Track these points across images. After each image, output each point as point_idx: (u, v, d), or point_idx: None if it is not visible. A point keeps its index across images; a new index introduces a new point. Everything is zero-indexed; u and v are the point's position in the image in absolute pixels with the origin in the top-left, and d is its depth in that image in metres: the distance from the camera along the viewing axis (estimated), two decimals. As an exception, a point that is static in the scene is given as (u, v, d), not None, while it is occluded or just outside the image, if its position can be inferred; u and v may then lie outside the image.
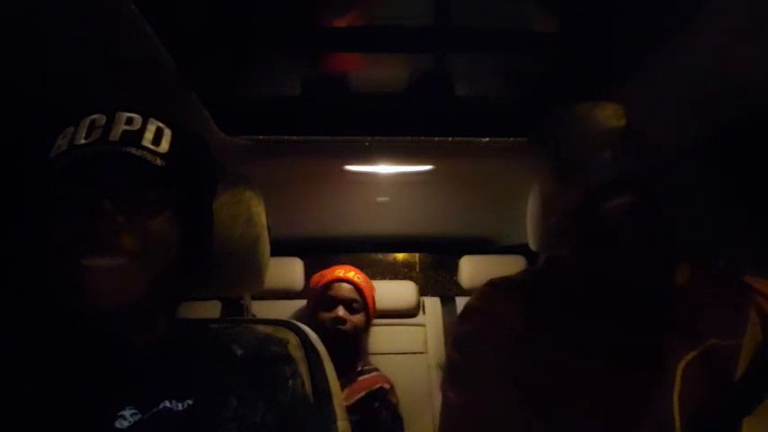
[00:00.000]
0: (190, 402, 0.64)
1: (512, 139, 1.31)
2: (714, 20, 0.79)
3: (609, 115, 0.71)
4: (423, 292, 2.26)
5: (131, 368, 0.65)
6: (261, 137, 1.28)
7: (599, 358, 0.68)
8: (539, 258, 1.18)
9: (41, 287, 0.68)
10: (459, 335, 0.77)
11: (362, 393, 1.73)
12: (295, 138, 1.29)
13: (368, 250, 2.64)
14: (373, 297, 1.93)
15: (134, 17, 0.73)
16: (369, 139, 1.30)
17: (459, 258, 2.18)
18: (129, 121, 0.64)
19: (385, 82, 1.21)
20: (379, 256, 2.85)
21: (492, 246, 2.30)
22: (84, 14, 0.71)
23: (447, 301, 2.21)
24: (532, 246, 1.07)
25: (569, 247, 0.77)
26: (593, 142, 0.70)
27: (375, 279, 2.10)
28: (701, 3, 0.77)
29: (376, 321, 2.05)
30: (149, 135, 0.64)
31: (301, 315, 2.01)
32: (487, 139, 1.31)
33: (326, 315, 1.80)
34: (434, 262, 2.89)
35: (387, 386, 1.78)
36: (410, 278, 2.50)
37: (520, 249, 2.05)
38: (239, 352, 0.72)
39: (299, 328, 0.94)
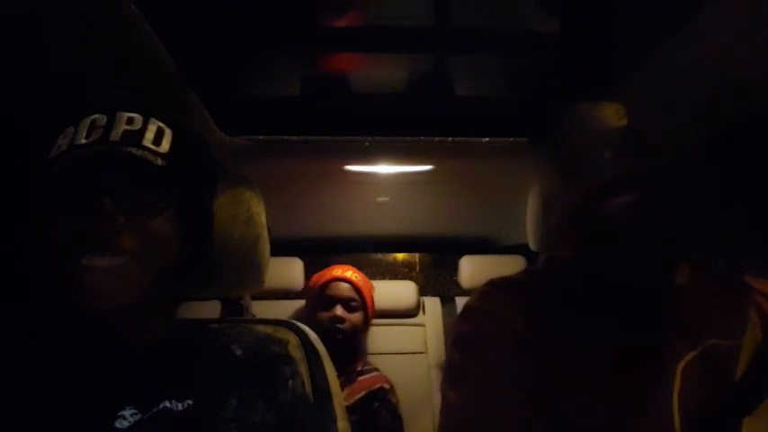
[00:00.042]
0: (190, 402, 0.64)
1: (512, 139, 1.31)
2: (714, 20, 0.79)
3: (611, 115, 0.71)
4: (423, 292, 2.26)
5: (131, 368, 0.65)
6: (261, 137, 1.28)
7: (599, 358, 0.68)
8: (539, 258, 1.18)
9: (42, 287, 0.68)
10: (459, 335, 0.77)
11: (362, 393, 1.73)
12: (295, 138, 1.29)
13: (368, 250, 2.64)
14: (372, 296, 1.93)
15: (134, 17, 0.73)
16: (369, 139, 1.30)
17: (459, 258, 2.18)
18: (130, 121, 0.64)
19: (385, 82, 1.21)
20: (379, 256, 2.85)
21: (492, 246, 2.30)
22: (84, 14, 0.71)
23: (447, 301, 2.21)
24: (532, 246, 1.07)
25: (569, 246, 0.76)
26: (596, 141, 0.70)
27: (375, 279, 2.10)
28: (701, 3, 0.77)
29: (376, 321, 2.05)
30: (150, 135, 0.64)
31: (301, 315, 2.00)
32: (487, 139, 1.31)
33: (325, 314, 1.80)
34: (434, 262, 2.89)
35: (387, 386, 1.78)
36: (410, 278, 2.50)
37: (520, 249, 2.05)
38: (239, 352, 0.72)
39: (298, 328, 0.94)
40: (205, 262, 0.73)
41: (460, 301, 2.17)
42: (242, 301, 1.15)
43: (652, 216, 0.68)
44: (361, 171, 1.57)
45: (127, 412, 0.61)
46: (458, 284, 2.23)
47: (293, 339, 0.91)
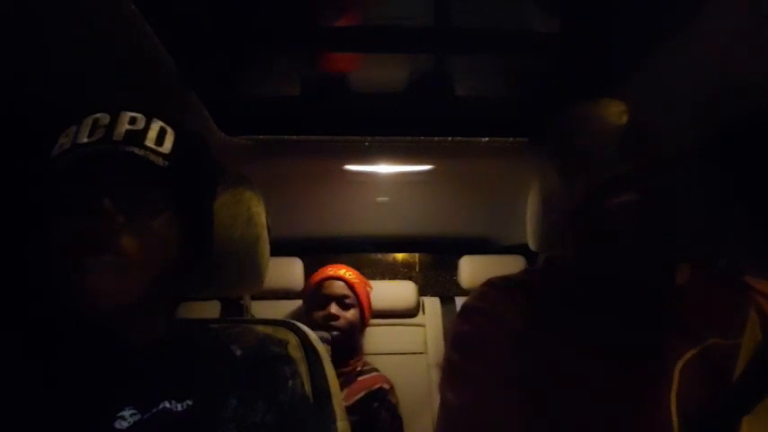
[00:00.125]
0: (189, 403, 0.64)
1: (512, 139, 1.31)
2: (714, 20, 0.79)
3: (611, 114, 0.71)
4: (422, 292, 2.26)
5: (131, 368, 0.65)
6: (261, 137, 1.28)
7: (598, 358, 0.69)
8: (539, 258, 1.18)
9: (42, 286, 0.68)
10: (458, 335, 0.77)
11: (362, 393, 1.73)
12: (295, 138, 1.29)
13: (368, 250, 2.64)
14: (367, 294, 1.93)
15: (134, 17, 0.73)
16: (369, 139, 1.30)
17: (459, 258, 2.18)
18: (133, 121, 0.64)
19: (385, 82, 1.21)
20: (379, 256, 2.85)
21: (492, 246, 2.30)
22: (84, 14, 0.71)
23: (447, 302, 2.21)
24: (532, 246, 1.07)
25: (569, 246, 0.76)
26: (596, 141, 0.70)
27: (375, 279, 2.10)
28: (701, 3, 0.77)
29: (376, 321, 2.05)
30: (152, 135, 0.64)
31: (301, 315, 2.01)
32: (487, 139, 1.31)
33: (320, 313, 1.81)
34: (434, 262, 2.88)
35: (386, 386, 1.78)
36: (410, 278, 2.50)
37: (520, 249, 2.05)
38: (239, 352, 0.72)
39: (298, 328, 0.94)
40: (205, 262, 0.73)
41: (460, 302, 2.17)
42: (242, 301, 1.15)
43: (652, 216, 0.68)
44: (360, 171, 1.57)
45: (126, 412, 0.61)
46: (457, 284, 2.23)
47: (293, 339, 0.91)
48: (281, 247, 1.59)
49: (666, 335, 0.70)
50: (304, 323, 0.97)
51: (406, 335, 2.10)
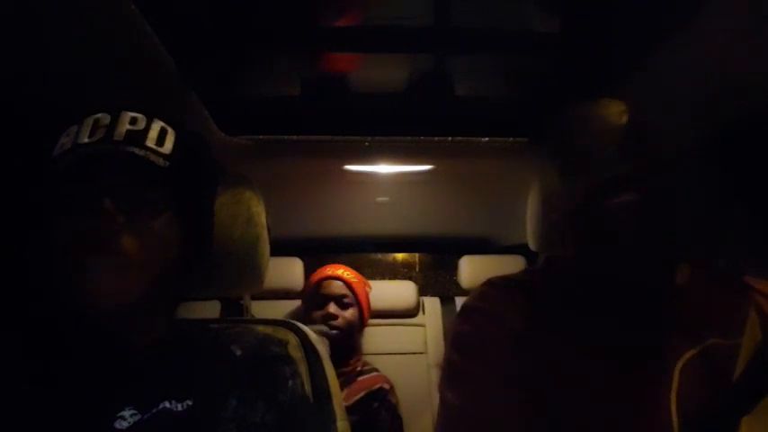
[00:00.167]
0: (189, 403, 0.64)
1: (512, 139, 1.31)
2: (714, 20, 0.79)
3: (611, 114, 0.71)
4: (422, 292, 2.26)
5: (131, 368, 0.65)
6: (261, 137, 1.28)
7: (598, 358, 0.69)
8: (539, 258, 1.18)
9: (42, 286, 0.68)
10: (458, 335, 0.77)
11: (362, 394, 1.73)
12: (295, 138, 1.29)
13: (368, 250, 2.64)
14: (366, 293, 1.93)
15: (134, 17, 0.73)
16: (369, 139, 1.30)
17: (459, 258, 2.18)
18: (134, 121, 0.64)
19: (385, 82, 1.21)
20: (379, 256, 2.84)
21: (492, 246, 2.30)
22: (84, 14, 0.71)
23: (447, 302, 2.21)
24: (532, 246, 1.07)
25: (569, 246, 0.76)
26: (596, 141, 0.70)
27: (375, 279, 2.09)
28: (701, 3, 0.77)
29: (376, 321, 2.05)
30: (153, 135, 0.64)
31: (300, 315, 2.01)
32: (487, 139, 1.31)
33: (318, 313, 1.81)
34: (434, 262, 2.88)
35: (386, 386, 1.78)
36: (410, 278, 2.50)
37: (520, 249, 2.05)
38: (239, 352, 0.72)
39: (298, 328, 0.94)
40: (205, 262, 0.73)
41: (460, 302, 2.16)
42: (242, 301, 1.15)
43: (652, 216, 0.68)
44: (360, 171, 1.57)
45: (126, 412, 0.61)
46: (458, 284, 2.23)
47: (293, 339, 0.91)
48: (281, 247, 1.59)
49: (666, 335, 0.70)
50: (303, 323, 0.97)
51: (406, 335, 2.10)
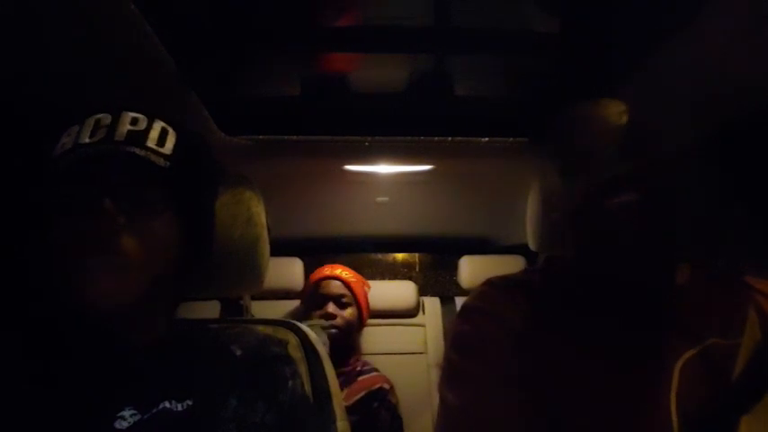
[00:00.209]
0: (189, 403, 0.64)
1: (512, 139, 1.31)
2: (714, 20, 0.79)
3: (611, 114, 0.71)
4: (422, 292, 2.26)
5: (131, 368, 0.65)
6: (261, 137, 1.28)
7: (598, 358, 0.69)
8: (539, 258, 1.18)
9: (42, 286, 0.68)
10: (458, 335, 0.77)
11: (362, 393, 1.73)
12: (295, 138, 1.29)
13: (368, 250, 2.64)
14: (365, 293, 1.94)
15: (134, 17, 0.73)
16: (369, 139, 1.30)
17: (459, 258, 2.18)
18: (135, 122, 0.64)
19: (385, 82, 1.21)
20: (379, 256, 2.84)
21: (492, 246, 2.30)
22: (84, 14, 0.71)
23: (447, 302, 2.21)
24: (532, 246, 1.07)
25: (569, 246, 0.76)
26: (596, 141, 0.70)
27: (375, 279, 2.09)
28: (701, 3, 0.77)
29: (376, 321, 2.05)
30: (154, 135, 0.64)
31: (300, 315, 2.01)
32: (487, 139, 1.31)
33: (317, 313, 1.82)
34: (434, 262, 2.88)
35: (386, 386, 1.79)
36: (410, 278, 2.50)
37: (520, 249, 2.05)
38: (239, 352, 0.72)
39: (298, 328, 0.94)
40: (205, 262, 0.73)
41: (460, 302, 2.16)
42: (241, 302, 1.15)
43: (652, 216, 0.68)
44: (360, 171, 1.57)
45: (126, 413, 0.61)
46: (457, 284, 2.23)
47: (293, 340, 0.91)
48: (281, 247, 1.59)
49: (666, 335, 0.70)
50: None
51: (406, 335, 2.10)
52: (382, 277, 2.73)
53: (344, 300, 1.85)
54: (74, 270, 0.58)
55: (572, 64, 1.06)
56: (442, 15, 1.00)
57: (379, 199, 1.89)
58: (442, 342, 2.08)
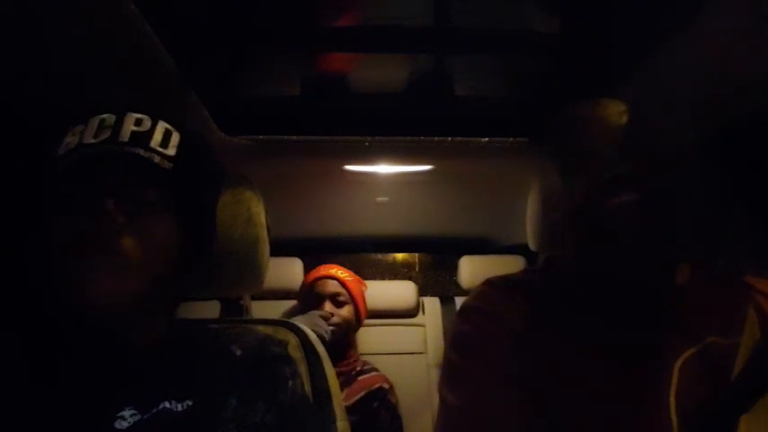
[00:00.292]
0: (189, 403, 0.64)
1: (512, 139, 1.31)
2: (714, 20, 0.79)
3: (611, 114, 0.71)
4: (422, 292, 2.26)
5: (131, 368, 0.65)
6: (261, 137, 1.28)
7: (598, 358, 0.69)
8: (538, 258, 1.18)
9: (42, 286, 0.68)
10: (458, 335, 0.77)
11: (362, 393, 1.73)
12: (295, 138, 1.29)
13: (368, 250, 2.64)
14: (361, 292, 1.94)
15: (134, 17, 0.73)
16: (369, 139, 1.30)
17: (459, 258, 2.18)
18: (139, 122, 0.64)
19: (385, 82, 1.21)
20: (379, 256, 2.84)
21: (491, 246, 2.30)
22: (84, 14, 0.71)
23: (446, 302, 2.21)
24: (532, 246, 1.07)
25: (569, 246, 0.76)
26: (596, 141, 0.70)
27: (375, 279, 2.09)
28: (701, 3, 0.77)
29: (376, 321, 2.05)
30: (158, 137, 0.64)
31: (297, 315, 2.00)
32: (487, 139, 1.31)
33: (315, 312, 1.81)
34: (434, 262, 2.88)
35: (386, 386, 1.79)
36: (410, 278, 2.50)
37: (519, 249, 2.05)
38: (239, 352, 0.72)
39: (298, 328, 0.94)
40: (205, 262, 0.73)
41: (460, 302, 2.15)
42: (241, 302, 1.15)
43: (652, 216, 0.68)
44: (360, 171, 1.57)
45: (126, 413, 0.61)
46: (457, 284, 2.23)
47: (293, 340, 0.91)
48: (281, 247, 1.59)
49: (666, 334, 0.70)
50: (302, 323, 0.97)
51: (405, 335, 2.10)
52: (382, 277, 2.73)
53: (341, 298, 1.86)
54: (74, 270, 0.58)
55: (572, 64, 1.06)
56: (442, 15, 1.00)
57: (379, 199, 1.89)
58: (441, 342, 2.08)
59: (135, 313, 0.63)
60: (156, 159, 0.62)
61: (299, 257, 2.09)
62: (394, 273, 2.87)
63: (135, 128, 0.63)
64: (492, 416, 0.67)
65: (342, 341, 1.81)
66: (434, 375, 2.00)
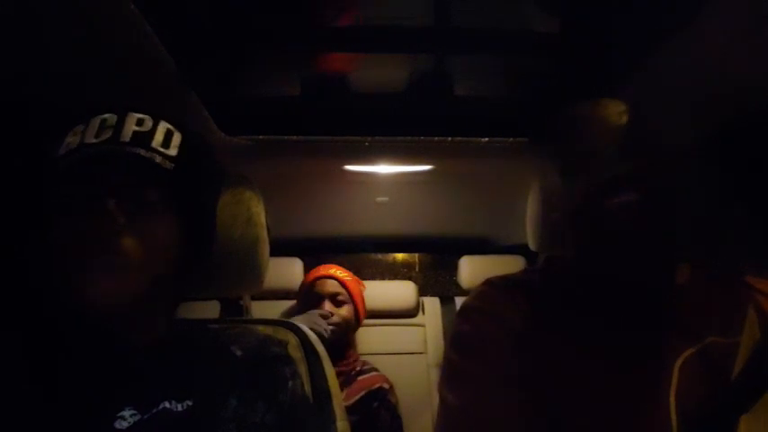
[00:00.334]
0: (189, 403, 0.64)
1: (512, 139, 1.31)
2: (714, 20, 0.79)
3: (611, 114, 0.71)
4: (422, 292, 2.26)
5: (131, 368, 0.65)
6: (261, 137, 1.28)
7: (598, 358, 0.69)
8: (538, 258, 1.18)
9: (42, 286, 0.68)
10: (458, 335, 0.77)
11: (362, 393, 1.73)
12: (295, 138, 1.29)
13: (368, 250, 2.64)
14: (360, 292, 1.94)
15: (134, 17, 0.73)
16: (369, 139, 1.30)
17: (459, 258, 2.18)
18: (140, 123, 0.64)
19: (385, 82, 1.21)
20: (379, 256, 2.84)
21: (491, 246, 2.30)
22: (84, 14, 0.71)
23: (446, 302, 2.21)
24: (532, 246, 1.07)
25: (569, 246, 0.76)
26: (596, 141, 0.70)
27: (375, 279, 2.09)
28: (701, 3, 0.77)
29: (376, 321, 2.05)
30: (159, 137, 0.64)
31: (296, 315, 2.00)
32: (487, 139, 1.31)
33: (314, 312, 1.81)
34: (434, 262, 2.88)
35: (386, 386, 1.79)
36: (410, 278, 2.50)
37: (519, 249, 2.05)
38: (239, 352, 0.72)
39: (298, 328, 0.94)
40: (205, 262, 0.73)
41: (460, 302, 2.15)
42: (241, 302, 1.15)
43: (652, 216, 0.68)
44: (360, 171, 1.57)
45: (126, 413, 0.61)
46: (457, 285, 2.23)
47: (293, 340, 0.91)
48: (281, 247, 1.59)
49: (666, 334, 0.70)
50: (301, 323, 0.97)
51: (405, 335, 2.10)
52: (382, 277, 2.73)
53: (340, 298, 1.86)
54: (74, 270, 0.58)
55: (572, 64, 1.06)
56: (442, 15, 1.00)
57: (379, 199, 1.89)
58: (441, 342, 2.08)
59: (135, 313, 0.63)
60: (158, 159, 0.62)
61: (299, 257, 2.09)
62: (394, 273, 2.87)
63: (136, 128, 0.63)
64: (492, 416, 0.67)
65: (341, 341, 1.81)
66: (434, 375, 2.00)
